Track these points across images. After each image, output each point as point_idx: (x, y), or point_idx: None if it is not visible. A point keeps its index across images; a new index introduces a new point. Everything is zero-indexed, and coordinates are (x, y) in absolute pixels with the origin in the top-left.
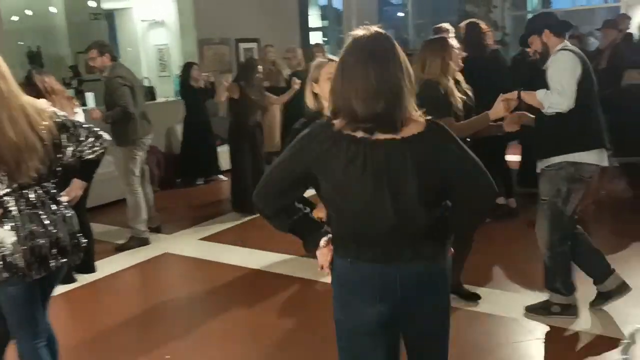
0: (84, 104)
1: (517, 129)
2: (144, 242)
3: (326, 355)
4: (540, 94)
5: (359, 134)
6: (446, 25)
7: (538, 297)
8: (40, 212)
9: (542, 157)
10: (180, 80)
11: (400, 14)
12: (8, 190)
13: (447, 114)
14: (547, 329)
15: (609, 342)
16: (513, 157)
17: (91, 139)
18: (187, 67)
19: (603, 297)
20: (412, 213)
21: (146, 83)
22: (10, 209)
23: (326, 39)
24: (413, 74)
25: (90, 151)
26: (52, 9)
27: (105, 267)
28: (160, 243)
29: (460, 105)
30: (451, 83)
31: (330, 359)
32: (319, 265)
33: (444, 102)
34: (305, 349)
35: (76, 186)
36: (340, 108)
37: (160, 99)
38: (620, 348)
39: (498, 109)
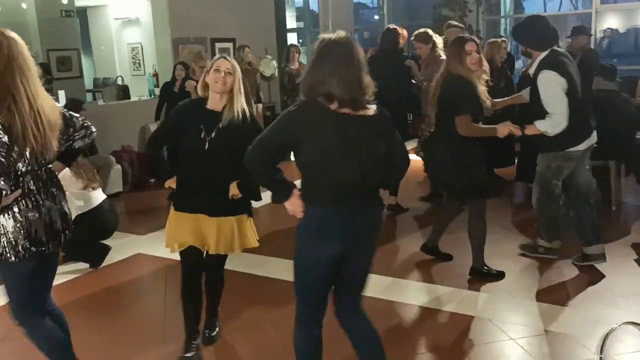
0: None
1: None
2: None
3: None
4: (540, 125)
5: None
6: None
7: (507, 300)
8: (53, 190)
9: (544, 151)
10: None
11: (376, 17)
12: (27, 168)
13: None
14: (520, 329)
15: (581, 343)
16: None
17: (83, 131)
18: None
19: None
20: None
21: (119, 81)
22: (31, 187)
23: (301, 40)
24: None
25: (80, 140)
26: (23, 5)
27: (75, 266)
28: (133, 243)
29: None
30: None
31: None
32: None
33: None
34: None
35: (58, 167)
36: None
37: (133, 98)
38: (594, 349)
39: (504, 131)
